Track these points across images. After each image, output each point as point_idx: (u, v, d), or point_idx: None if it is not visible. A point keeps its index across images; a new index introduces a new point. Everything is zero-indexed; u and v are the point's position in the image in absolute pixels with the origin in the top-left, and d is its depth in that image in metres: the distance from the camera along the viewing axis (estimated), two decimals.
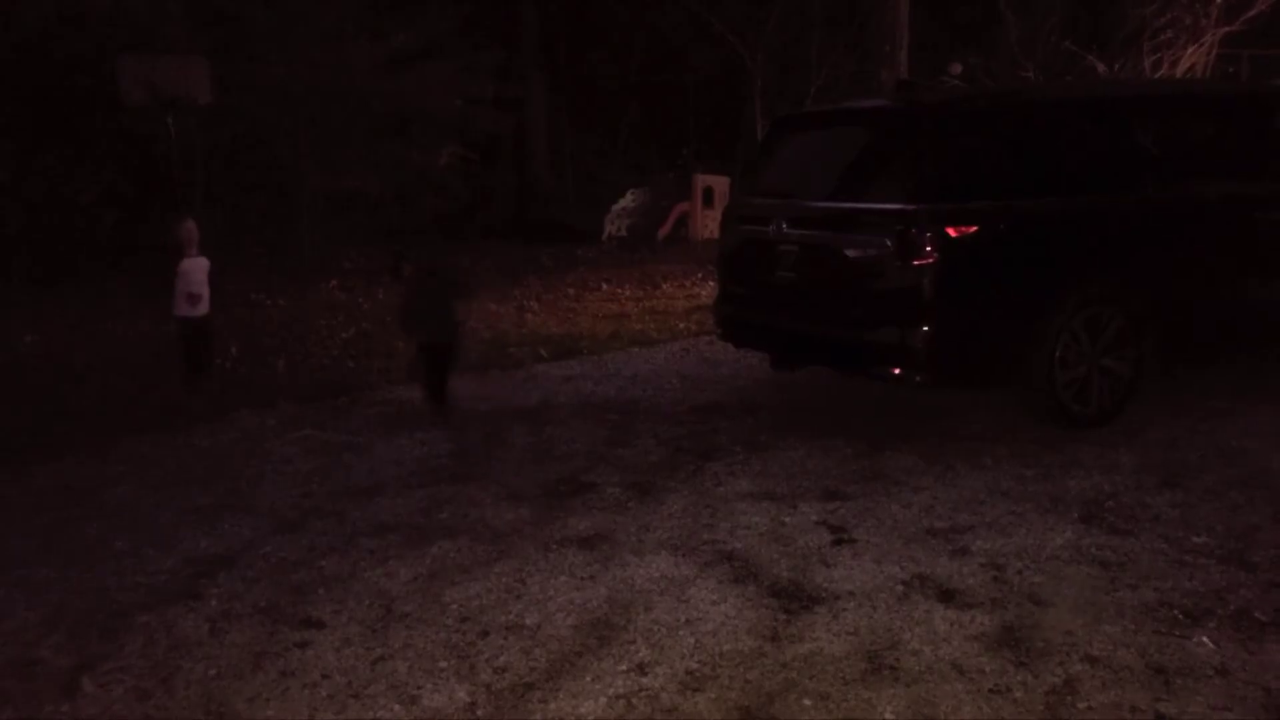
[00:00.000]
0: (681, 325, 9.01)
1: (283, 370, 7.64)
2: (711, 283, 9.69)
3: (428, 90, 14.88)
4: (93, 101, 12.14)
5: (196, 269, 6.72)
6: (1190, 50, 12.67)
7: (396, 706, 3.08)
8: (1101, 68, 12.85)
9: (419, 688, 3.17)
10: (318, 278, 12.13)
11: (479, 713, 3.03)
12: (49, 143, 12.52)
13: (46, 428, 6.13)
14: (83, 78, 12.15)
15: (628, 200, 16.16)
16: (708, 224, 15.15)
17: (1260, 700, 2.95)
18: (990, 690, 3.04)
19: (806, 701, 3.02)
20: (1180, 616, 3.45)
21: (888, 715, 2.95)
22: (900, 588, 3.72)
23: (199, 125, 11.99)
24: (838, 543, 4.14)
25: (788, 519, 4.41)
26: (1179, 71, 12.60)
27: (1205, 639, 3.30)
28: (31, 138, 12.41)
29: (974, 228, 5.11)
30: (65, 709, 3.13)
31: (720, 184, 15.68)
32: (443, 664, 3.31)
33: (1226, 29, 12.98)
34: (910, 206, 5.13)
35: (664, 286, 11.40)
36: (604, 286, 11.51)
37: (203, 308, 6.76)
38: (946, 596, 3.64)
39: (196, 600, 3.82)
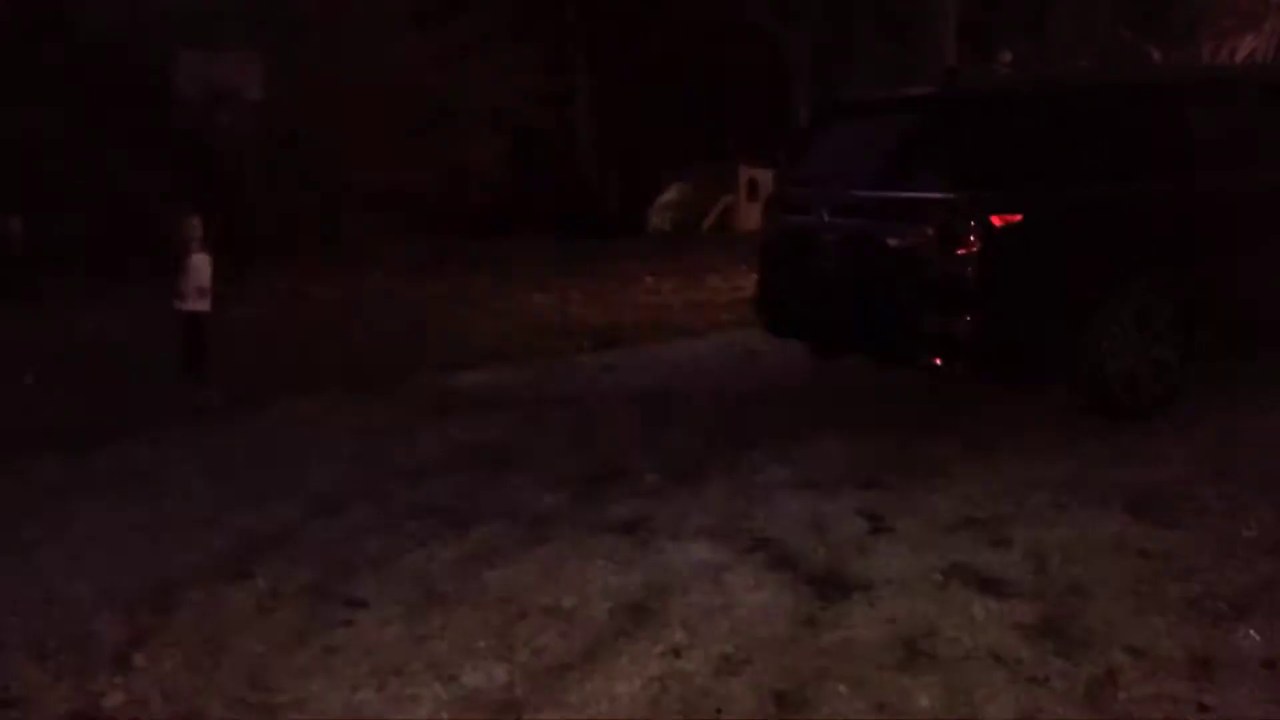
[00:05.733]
0: (724, 316, 8.99)
1: (333, 359, 7.75)
2: (755, 275, 9.66)
3: (474, 85, 15.02)
4: (146, 98, 12.37)
5: (205, 264, 6.77)
6: (1249, 37, 12.41)
7: (436, 685, 3.13)
8: (1157, 55, 12.62)
9: (458, 667, 3.22)
10: (366, 269, 12.27)
11: (516, 692, 3.07)
12: (108, 141, 12.76)
13: (89, 414, 6.26)
14: (139, 76, 12.38)
15: (672, 193, 16.20)
16: (752, 216, 15.14)
17: None
18: (1028, 679, 3.02)
19: (841, 687, 3.02)
20: (1226, 609, 3.39)
21: (923, 702, 2.94)
22: (938, 576, 3.70)
23: (251, 121, 12.20)
24: (875, 531, 4.13)
25: (825, 507, 4.40)
26: (1239, 58, 12.33)
27: (1251, 631, 3.24)
28: (92, 137, 12.67)
29: (1019, 216, 5.04)
30: (119, 681, 3.22)
31: (765, 177, 15.66)
32: (481, 644, 3.35)
33: None
34: (953, 195, 5.09)
35: (707, 279, 11.39)
36: (647, 279, 11.53)
37: (209, 303, 6.81)
38: (986, 586, 3.61)
39: (245, 579, 3.90)
